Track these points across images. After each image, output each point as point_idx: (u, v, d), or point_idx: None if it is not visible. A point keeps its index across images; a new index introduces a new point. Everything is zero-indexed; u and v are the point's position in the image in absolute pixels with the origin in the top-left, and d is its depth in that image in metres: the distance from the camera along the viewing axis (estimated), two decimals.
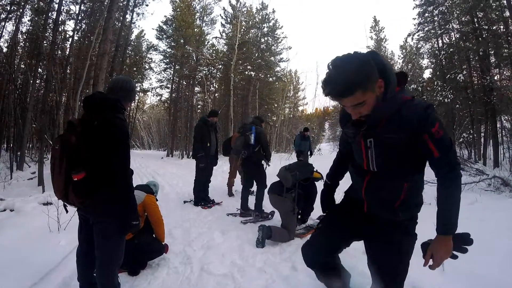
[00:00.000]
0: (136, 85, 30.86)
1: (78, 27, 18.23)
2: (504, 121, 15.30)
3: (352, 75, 1.50)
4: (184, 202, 7.11)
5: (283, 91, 29.37)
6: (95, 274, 2.47)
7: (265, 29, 27.75)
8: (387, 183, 1.80)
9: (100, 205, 2.27)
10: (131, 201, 2.37)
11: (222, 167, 10.28)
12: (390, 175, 1.78)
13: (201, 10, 28.13)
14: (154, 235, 3.65)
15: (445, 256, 1.68)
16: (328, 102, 52.01)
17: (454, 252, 1.70)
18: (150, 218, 3.57)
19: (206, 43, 28.90)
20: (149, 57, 31.49)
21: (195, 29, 27.49)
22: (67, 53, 17.12)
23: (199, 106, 31.78)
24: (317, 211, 5.02)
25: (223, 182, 8.53)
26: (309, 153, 12.15)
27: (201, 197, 6.92)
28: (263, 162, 6.23)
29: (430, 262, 1.71)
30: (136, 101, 36.66)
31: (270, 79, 28.90)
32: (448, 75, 16.94)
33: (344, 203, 2.17)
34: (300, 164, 4.97)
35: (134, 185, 3.65)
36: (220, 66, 28.22)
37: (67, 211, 2.60)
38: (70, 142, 2.21)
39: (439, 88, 17.39)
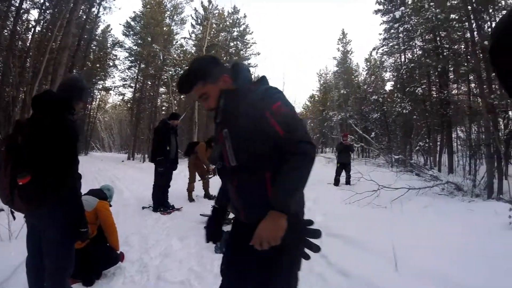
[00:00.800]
0: (99, 82, 30.05)
1: (42, 17, 17.34)
2: (459, 132, 16.10)
3: (194, 69, 1.74)
4: (143, 208, 6.90)
5: None
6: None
7: (235, 33, 27.82)
8: (250, 177, 1.66)
9: (47, 211, 2.16)
10: (79, 207, 2.28)
11: (184, 171, 10.13)
12: (250, 167, 1.65)
13: (171, 8, 27.63)
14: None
15: (269, 236, 1.46)
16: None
17: (306, 250, 1.57)
18: (102, 225, 3.42)
19: (174, 43, 28.40)
20: (114, 54, 30.38)
21: (164, 28, 26.92)
22: (28, 45, 16.33)
23: (163, 108, 30.92)
24: None
25: (184, 187, 8.34)
26: None
27: (160, 203, 6.76)
28: None
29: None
30: (98, 99, 35.58)
31: None
32: (408, 88, 17.75)
33: (233, 230, 1.99)
34: None
35: (88, 190, 3.57)
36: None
37: (14, 218, 2.45)
38: (16, 143, 2.11)
39: (399, 100, 18.24)
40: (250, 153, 1.64)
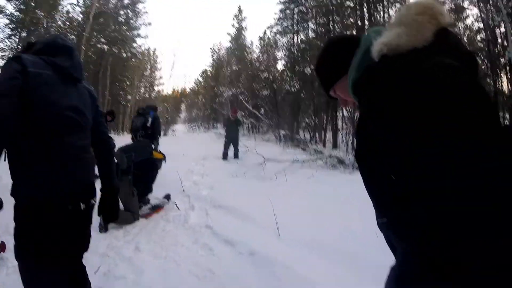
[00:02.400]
0: None
1: None
2: (345, 111, 17.45)
3: None
4: None
5: (139, 69, 27.95)
6: None
7: (126, 1, 25.86)
8: None
9: None
10: None
11: None
12: None
13: None
14: None
15: None
16: (184, 84, 52.00)
17: None
18: None
19: (60, 9, 25.30)
20: None
21: None
22: None
23: None
24: (161, 190, 5.14)
25: None
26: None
27: None
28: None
29: None
30: None
31: (125, 55, 27.12)
32: (298, 68, 18.53)
33: None
34: (138, 145, 4.87)
35: None
36: (73, 37, 25.42)
37: None
38: None
39: (289, 79, 18.95)
40: None
